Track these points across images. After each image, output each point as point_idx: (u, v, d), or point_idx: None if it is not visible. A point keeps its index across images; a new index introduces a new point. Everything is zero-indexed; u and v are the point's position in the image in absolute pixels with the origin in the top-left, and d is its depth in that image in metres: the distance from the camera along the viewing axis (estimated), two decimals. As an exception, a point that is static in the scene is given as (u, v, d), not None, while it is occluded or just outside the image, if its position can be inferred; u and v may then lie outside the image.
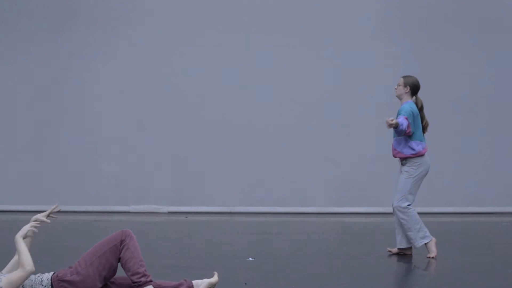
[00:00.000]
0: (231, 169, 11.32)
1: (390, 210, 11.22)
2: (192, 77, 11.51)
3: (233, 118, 11.41)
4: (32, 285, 4.47)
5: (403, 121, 6.94)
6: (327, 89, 11.51)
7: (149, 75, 11.48)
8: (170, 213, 11.31)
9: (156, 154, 11.39)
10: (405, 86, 7.28)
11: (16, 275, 4.36)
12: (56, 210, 4.73)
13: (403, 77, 7.35)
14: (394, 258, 6.94)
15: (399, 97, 7.32)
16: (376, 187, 11.28)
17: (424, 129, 7.28)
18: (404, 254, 7.13)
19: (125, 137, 11.39)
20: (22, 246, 4.46)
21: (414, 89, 7.31)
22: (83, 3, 11.60)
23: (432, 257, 6.95)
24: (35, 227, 4.59)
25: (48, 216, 4.71)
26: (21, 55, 11.47)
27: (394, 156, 7.26)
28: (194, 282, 4.79)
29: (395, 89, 7.35)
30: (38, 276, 4.53)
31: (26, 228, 4.56)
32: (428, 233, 7.03)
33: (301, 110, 11.51)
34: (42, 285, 4.49)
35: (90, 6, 11.58)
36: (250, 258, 6.70)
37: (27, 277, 4.37)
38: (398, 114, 7.12)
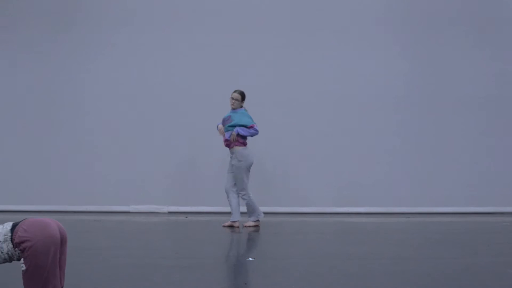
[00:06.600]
0: (231, 169, 11.31)
1: (390, 210, 11.38)
2: (191, 77, 11.51)
3: (233, 118, 11.41)
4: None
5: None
6: (328, 88, 11.52)
7: (149, 75, 11.49)
8: (170, 213, 11.30)
9: (156, 154, 11.40)
10: (243, 99, 9.46)
11: None
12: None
13: (240, 93, 9.44)
14: (394, 259, 6.94)
15: (236, 108, 9.41)
16: (377, 187, 11.29)
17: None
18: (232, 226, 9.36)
19: (125, 137, 11.39)
20: None
21: (244, 98, 9.55)
22: (82, 3, 11.60)
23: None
24: None
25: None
26: (20, 55, 11.48)
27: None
28: None
29: (233, 103, 9.36)
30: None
31: None
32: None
33: (301, 110, 11.51)
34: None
35: (89, 6, 11.58)
36: (250, 258, 6.70)
37: None
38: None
